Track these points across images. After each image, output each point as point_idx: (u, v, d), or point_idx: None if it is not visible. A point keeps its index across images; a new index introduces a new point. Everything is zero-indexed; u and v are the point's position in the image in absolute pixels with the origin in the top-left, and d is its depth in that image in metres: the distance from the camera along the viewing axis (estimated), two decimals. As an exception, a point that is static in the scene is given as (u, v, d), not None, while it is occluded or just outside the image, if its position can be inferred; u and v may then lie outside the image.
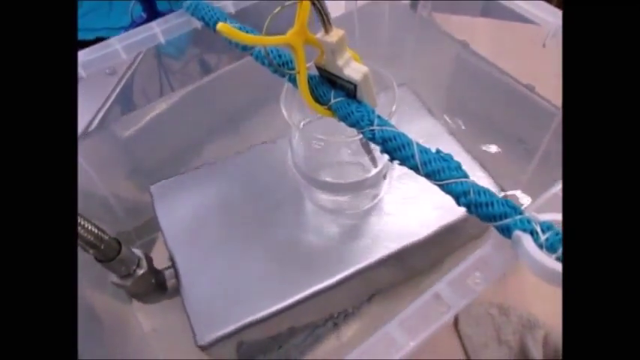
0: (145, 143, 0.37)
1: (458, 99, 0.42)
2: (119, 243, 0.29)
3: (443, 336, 0.42)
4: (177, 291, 0.32)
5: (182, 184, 0.34)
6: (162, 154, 0.39)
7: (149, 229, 0.39)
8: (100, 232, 0.27)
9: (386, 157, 0.30)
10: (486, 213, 0.21)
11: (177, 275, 0.32)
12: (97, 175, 0.36)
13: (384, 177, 0.32)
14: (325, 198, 0.32)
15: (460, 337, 0.42)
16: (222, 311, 0.30)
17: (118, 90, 0.45)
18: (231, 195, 0.34)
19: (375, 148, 0.28)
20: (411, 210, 0.33)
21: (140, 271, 0.30)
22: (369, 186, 0.30)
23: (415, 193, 0.33)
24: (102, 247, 0.27)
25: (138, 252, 0.30)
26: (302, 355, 0.36)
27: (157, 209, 0.33)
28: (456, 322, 0.42)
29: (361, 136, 0.24)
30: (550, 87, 0.38)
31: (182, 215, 0.33)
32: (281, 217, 0.33)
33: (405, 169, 0.35)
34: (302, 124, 0.30)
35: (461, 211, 0.32)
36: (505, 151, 0.39)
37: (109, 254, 0.28)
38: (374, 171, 0.29)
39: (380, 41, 0.42)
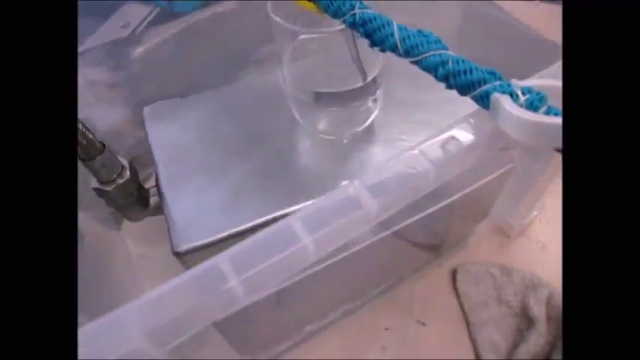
0: (144, 77, 0.38)
1: (465, 45, 0.41)
2: (103, 145, 0.28)
3: (440, 293, 0.40)
4: (160, 209, 0.31)
5: (175, 108, 0.34)
6: (162, 90, 0.39)
7: (142, 163, 0.39)
8: (84, 129, 0.27)
9: (377, 70, 0.29)
10: (465, 81, 0.20)
11: (160, 192, 0.31)
12: (95, 102, 0.36)
13: (375, 100, 0.31)
14: (315, 116, 0.31)
15: (458, 295, 0.39)
16: (202, 223, 0.29)
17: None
18: (224, 118, 0.33)
19: (365, 56, 0.28)
20: (400, 141, 0.32)
21: (122, 180, 0.29)
22: (357, 99, 0.29)
23: (407, 126, 0.32)
24: (84, 142, 0.27)
25: (123, 160, 0.30)
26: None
27: (147, 129, 0.33)
28: (454, 280, 0.40)
29: (344, 26, 0.24)
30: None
31: (172, 136, 0.33)
32: (270, 140, 0.32)
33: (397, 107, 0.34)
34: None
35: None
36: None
37: (91, 152, 0.27)
38: (362, 82, 0.28)
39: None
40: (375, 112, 0.31)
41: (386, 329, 0.38)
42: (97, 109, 0.36)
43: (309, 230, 0.17)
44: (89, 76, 0.36)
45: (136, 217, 0.32)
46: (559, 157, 0.34)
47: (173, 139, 0.32)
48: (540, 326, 0.36)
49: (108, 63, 0.36)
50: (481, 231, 0.42)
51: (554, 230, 0.43)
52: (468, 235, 0.41)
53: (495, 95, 0.19)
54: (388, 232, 0.29)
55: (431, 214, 0.31)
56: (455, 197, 0.30)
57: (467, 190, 0.31)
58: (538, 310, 0.36)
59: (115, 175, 0.29)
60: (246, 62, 0.37)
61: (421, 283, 0.40)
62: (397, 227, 0.29)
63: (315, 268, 0.27)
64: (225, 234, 0.29)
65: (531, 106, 0.18)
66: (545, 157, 0.35)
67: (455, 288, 0.40)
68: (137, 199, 0.31)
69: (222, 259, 0.16)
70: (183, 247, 0.28)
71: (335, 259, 0.27)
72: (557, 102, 0.18)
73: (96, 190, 0.29)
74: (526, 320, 0.37)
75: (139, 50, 0.36)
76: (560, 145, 0.17)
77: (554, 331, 0.36)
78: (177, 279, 0.16)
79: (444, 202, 0.30)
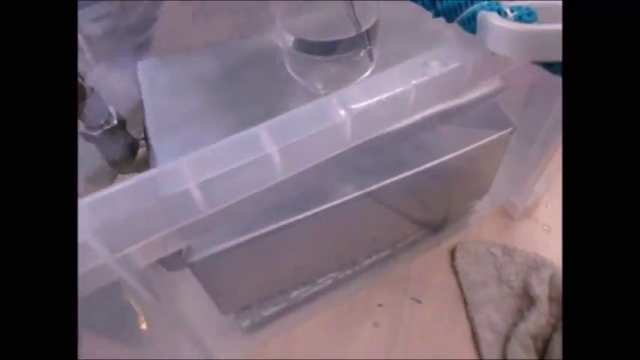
0: (144, 33, 0.37)
1: None
2: (92, 89, 0.28)
3: (438, 271, 0.38)
4: (147, 162, 0.31)
5: (169, 63, 0.34)
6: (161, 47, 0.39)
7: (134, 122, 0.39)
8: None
9: (371, 23, 0.29)
10: (451, 4, 0.19)
11: (148, 144, 0.31)
12: (91, 56, 0.36)
13: (371, 59, 0.30)
14: (309, 71, 0.30)
15: (456, 274, 0.38)
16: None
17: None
18: (218, 75, 0.33)
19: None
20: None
21: (109, 126, 0.29)
22: (350, 49, 0.28)
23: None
24: (71, 85, 0.27)
25: (111, 108, 0.30)
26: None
27: (140, 83, 0.33)
28: (453, 258, 0.38)
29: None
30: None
31: (164, 90, 0.32)
32: (264, 97, 0.31)
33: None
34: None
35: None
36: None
37: (79, 95, 0.27)
38: (355, 32, 0.27)
39: None
40: (372, 68, 0.30)
41: (379, 305, 0.37)
42: (95, 63, 0.36)
43: (275, 140, 0.16)
44: (87, 30, 0.36)
45: (125, 169, 0.32)
46: (559, 135, 0.33)
47: (164, 94, 0.32)
48: (541, 306, 0.34)
49: (107, 18, 0.36)
50: (483, 211, 0.41)
51: (561, 213, 0.41)
52: (468, 212, 0.40)
53: (482, 13, 0.18)
54: (373, 189, 0.27)
55: (420, 178, 0.30)
56: (446, 158, 0.29)
57: (459, 152, 0.29)
58: (540, 290, 0.35)
59: (102, 121, 0.29)
60: (248, 22, 0.37)
61: (418, 261, 0.39)
62: (383, 184, 0.27)
63: (294, 218, 0.26)
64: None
65: (520, 20, 0.17)
66: (543, 136, 0.34)
67: (453, 266, 0.38)
68: (125, 148, 0.30)
69: (181, 162, 0.16)
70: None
71: (316, 209, 0.26)
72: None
73: (83, 134, 0.29)
74: (527, 300, 0.35)
75: (139, 6, 0.36)
76: (557, 58, 0.16)
77: (557, 312, 0.34)
78: (132, 179, 0.15)
79: (434, 162, 0.29)
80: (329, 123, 0.16)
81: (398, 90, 0.17)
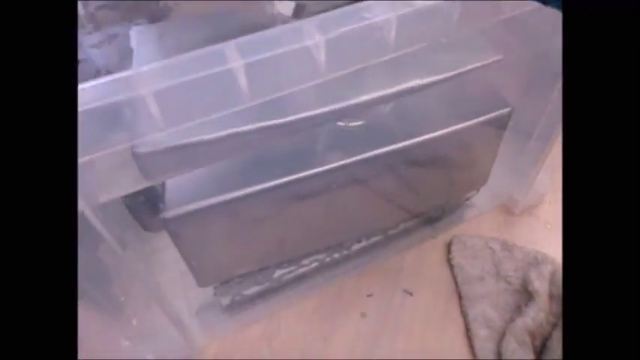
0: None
1: None
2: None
3: (432, 264, 0.36)
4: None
5: (163, 29, 0.34)
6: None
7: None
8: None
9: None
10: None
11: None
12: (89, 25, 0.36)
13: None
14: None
15: (452, 267, 0.36)
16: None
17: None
18: (210, 42, 0.32)
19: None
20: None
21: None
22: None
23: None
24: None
25: (100, 65, 0.29)
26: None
27: (133, 48, 0.33)
28: (448, 251, 0.37)
29: None
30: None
31: (155, 55, 0.32)
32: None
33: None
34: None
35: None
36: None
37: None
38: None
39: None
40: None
41: (368, 296, 0.35)
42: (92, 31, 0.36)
43: (241, 55, 0.15)
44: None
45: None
46: (560, 125, 0.31)
47: (155, 55, 0.31)
48: (540, 301, 0.31)
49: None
50: (482, 205, 0.39)
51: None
52: (465, 205, 0.38)
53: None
54: (361, 160, 0.26)
55: (412, 157, 0.28)
56: (441, 132, 0.28)
57: (455, 128, 0.28)
58: (539, 285, 0.32)
59: (89, 78, 0.28)
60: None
61: (412, 252, 0.37)
62: (372, 154, 0.26)
63: (276, 182, 0.25)
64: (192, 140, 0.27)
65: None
66: (543, 125, 0.32)
67: (449, 260, 0.36)
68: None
69: (139, 70, 0.15)
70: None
71: (299, 175, 0.25)
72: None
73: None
74: (526, 297, 0.33)
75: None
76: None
77: (557, 311, 0.32)
78: (85, 83, 0.14)
79: (426, 137, 0.27)
80: (301, 44, 0.15)
81: (378, 18, 0.16)
